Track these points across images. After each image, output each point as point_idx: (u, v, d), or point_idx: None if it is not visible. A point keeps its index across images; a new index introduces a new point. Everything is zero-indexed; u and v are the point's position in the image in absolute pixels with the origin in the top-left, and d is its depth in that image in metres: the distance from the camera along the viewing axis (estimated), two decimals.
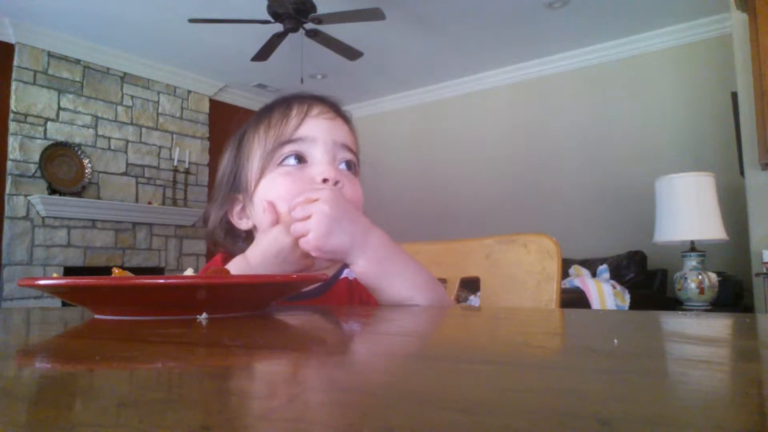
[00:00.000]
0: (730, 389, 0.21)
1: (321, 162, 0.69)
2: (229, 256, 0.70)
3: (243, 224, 0.73)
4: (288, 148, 0.69)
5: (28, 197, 3.94)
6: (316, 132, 0.70)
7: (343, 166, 0.72)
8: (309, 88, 0.81)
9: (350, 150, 0.73)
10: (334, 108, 0.75)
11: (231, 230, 0.74)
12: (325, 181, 0.67)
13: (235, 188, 0.73)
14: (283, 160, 0.69)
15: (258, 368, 0.26)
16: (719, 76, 3.85)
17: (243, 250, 0.67)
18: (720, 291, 2.92)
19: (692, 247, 2.93)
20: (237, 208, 0.73)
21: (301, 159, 0.69)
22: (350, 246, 0.59)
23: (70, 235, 4.15)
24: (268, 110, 0.74)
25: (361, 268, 0.60)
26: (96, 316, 0.48)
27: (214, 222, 0.74)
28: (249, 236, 0.74)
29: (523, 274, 0.78)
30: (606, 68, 4.43)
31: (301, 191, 0.64)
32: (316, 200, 0.58)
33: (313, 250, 0.58)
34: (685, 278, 2.87)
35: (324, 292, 0.70)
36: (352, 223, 0.59)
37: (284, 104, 0.74)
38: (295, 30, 3.40)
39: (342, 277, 0.72)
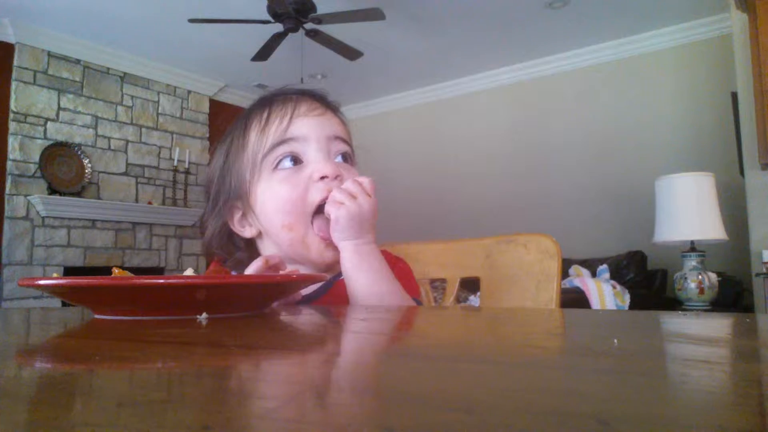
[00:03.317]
0: (730, 389, 0.21)
1: (316, 160, 0.69)
2: (225, 264, 0.70)
3: (246, 232, 0.72)
4: (281, 150, 0.68)
5: (28, 197, 3.94)
6: (306, 130, 0.69)
7: (339, 158, 0.72)
8: (308, 87, 0.80)
9: (344, 141, 0.73)
10: (322, 101, 0.74)
11: (231, 238, 0.74)
12: (323, 178, 0.67)
13: (231, 196, 0.72)
14: (278, 163, 0.69)
15: (258, 368, 0.26)
16: (719, 76, 3.84)
17: (242, 259, 0.67)
18: (720, 291, 2.91)
19: (692, 247, 2.92)
20: (237, 216, 0.72)
21: (296, 160, 0.69)
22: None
23: (70, 235, 4.15)
24: (253, 112, 0.73)
25: (344, 258, 0.66)
26: (96, 316, 0.48)
27: (213, 231, 0.73)
28: (248, 244, 0.74)
29: (523, 274, 0.78)
30: (606, 68, 4.43)
31: (300, 196, 0.67)
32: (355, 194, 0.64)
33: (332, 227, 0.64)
34: (685, 278, 2.87)
35: (323, 295, 0.70)
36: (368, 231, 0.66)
37: (269, 104, 0.72)
38: (294, 30, 3.40)
39: (341, 278, 0.72)
